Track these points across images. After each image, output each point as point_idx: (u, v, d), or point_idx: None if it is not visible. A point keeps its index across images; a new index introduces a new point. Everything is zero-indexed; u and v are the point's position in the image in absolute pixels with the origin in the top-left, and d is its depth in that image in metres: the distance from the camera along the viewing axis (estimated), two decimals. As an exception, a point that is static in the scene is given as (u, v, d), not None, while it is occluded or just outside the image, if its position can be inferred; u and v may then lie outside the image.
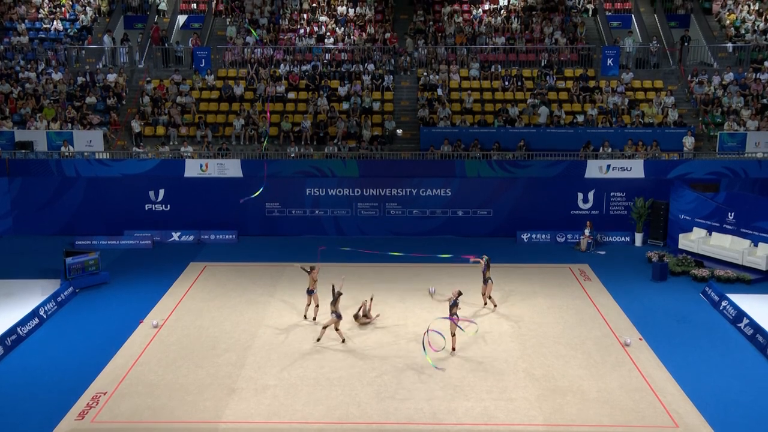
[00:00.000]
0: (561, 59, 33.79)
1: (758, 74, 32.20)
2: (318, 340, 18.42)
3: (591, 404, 15.46)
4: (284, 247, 26.55)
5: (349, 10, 37.01)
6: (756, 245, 23.65)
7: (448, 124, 30.11)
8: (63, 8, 37.28)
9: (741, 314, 19.41)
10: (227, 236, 27.48)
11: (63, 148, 28.78)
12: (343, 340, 18.42)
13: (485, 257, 20.57)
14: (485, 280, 20.47)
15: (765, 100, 30.97)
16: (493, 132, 29.71)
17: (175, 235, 27.47)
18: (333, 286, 18.58)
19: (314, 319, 19.75)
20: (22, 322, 18.82)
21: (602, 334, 19.01)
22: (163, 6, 37.69)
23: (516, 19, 35.98)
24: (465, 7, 37.31)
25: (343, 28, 35.74)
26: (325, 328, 18.47)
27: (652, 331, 19.15)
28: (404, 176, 27.77)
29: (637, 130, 29.72)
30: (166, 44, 34.80)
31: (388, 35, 35.04)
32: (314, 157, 28.69)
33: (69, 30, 36.04)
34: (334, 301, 18.24)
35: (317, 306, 19.88)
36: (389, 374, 16.74)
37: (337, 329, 18.41)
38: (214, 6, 37.65)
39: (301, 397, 15.74)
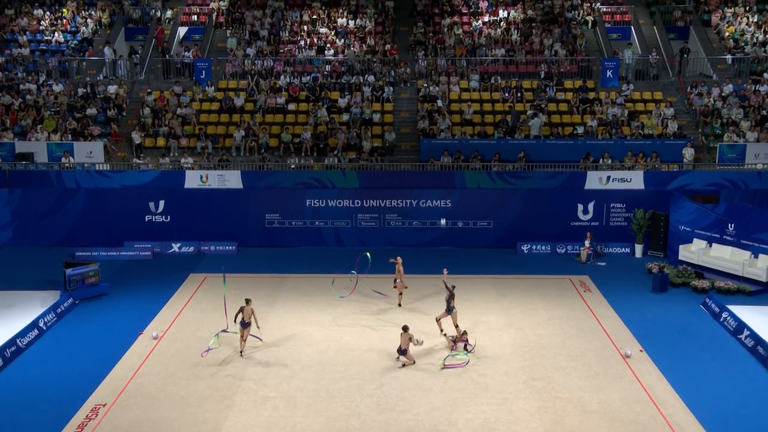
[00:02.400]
0: (561, 71, 33.88)
1: (757, 86, 32.29)
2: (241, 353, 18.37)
3: (591, 416, 15.42)
4: (284, 259, 26.53)
5: (350, 22, 37.15)
6: (756, 256, 23.62)
7: (449, 136, 30.16)
8: (64, 20, 37.42)
9: (741, 326, 19.37)
10: (227, 247, 27.46)
11: (63, 160, 28.81)
12: (241, 353, 18.29)
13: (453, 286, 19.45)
14: (449, 309, 19.09)
15: (764, 112, 31.03)
16: (493, 143, 29.75)
17: (175, 247, 27.45)
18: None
19: (399, 305, 21.54)
20: (22, 334, 18.79)
21: (603, 345, 18.98)
22: (169, 15, 37.83)
23: (516, 31, 36.11)
24: (465, 19, 37.44)
25: (343, 40, 35.86)
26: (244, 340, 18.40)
27: (652, 342, 19.11)
28: (404, 187, 27.78)
29: (636, 141, 29.77)
30: (167, 55, 34.91)
31: (388, 47, 35.15)
32: (314, 169, 28.72)
33: (70, 42, 36.16)
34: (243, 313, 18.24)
35: (402, 291, 21.60)
36: (389, 386, 16.70)
37: (243, 339, 18.32)
38: (214, 18, 37.80)
39: (301, 409, 15.70)
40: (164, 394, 16.38)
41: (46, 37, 36.45)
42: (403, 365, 17.62)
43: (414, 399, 16.10)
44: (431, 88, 32.71)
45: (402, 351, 17.68)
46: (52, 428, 14.88)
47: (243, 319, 18.27)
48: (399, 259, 21.73)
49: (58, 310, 20.84)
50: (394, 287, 21.65)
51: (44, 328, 19.78)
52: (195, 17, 38.21)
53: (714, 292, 22.56)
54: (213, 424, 15.12)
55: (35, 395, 16.33)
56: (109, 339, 19.33)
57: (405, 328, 17.69)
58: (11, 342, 18.24)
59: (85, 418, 15.30)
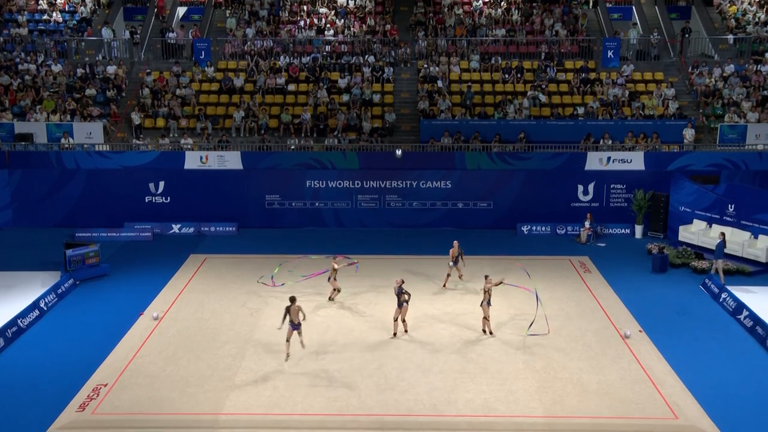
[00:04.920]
0: (561, 51, 33.71)
1: (759, 66, 32.13)
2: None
3: (591, 396, 15.48)
4: (284, 240, 26.54)
5: (349, 1, 36.89)
6: (756, 237, 23.65)
7: (449, 116, 30.06)
8: (62, 0, 37.15)
9: (741, 306, 19.42)
10: (227, 228, 27.47)
11: (63, 140, 28.73)
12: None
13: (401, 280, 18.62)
14: (400, 303, 18.20)
15: (765, 92, 30.91)
16: (493, 124, 29.67)
17: (176, 227, 27.47)
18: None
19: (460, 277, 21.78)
20: (23, 314, 18.84)
21: (602, 326, 19.03)
22: None
23: (516, 11, 35.88)
24: (465, -2, 37.22)
25: (343, 20, 35.64)
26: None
27: (652, 323, 19.16)
28: (404, 168, 27.74)
29: (637, 122, 29.68)
30: (166, 35, 34.69)
31: (388, 27, 34.94)
32: (314, 149, 28.66)
33: (68, 22, 35.95)
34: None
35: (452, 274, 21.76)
36: (389, 366, 16.76)
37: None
38: (213, -3, 37.57)
39: (302, 389, 15.76)
40: (165, 374, 16.45)
41: (44, 17, 36.21)
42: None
43: (414, 379, 16.16)
44: (431, 68, 32.56)
45: (295, 326, 16.93)
46: (54, 408, 14.95)
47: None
48: (455, 243, 21.71)
49: (59, 291, 20.89)
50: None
51: (45, 308, 19.83)
52: (194, -3, 38.00)
53: (713, 273, 22.60)
54: (214, 403, 15.18)
55: (36, 375, 16.39)
56: (110, 319, 19.38)
57: (292, 300, 17.02)
58: (12, 322, 18.30)
59: (87, 398, 15.37)
